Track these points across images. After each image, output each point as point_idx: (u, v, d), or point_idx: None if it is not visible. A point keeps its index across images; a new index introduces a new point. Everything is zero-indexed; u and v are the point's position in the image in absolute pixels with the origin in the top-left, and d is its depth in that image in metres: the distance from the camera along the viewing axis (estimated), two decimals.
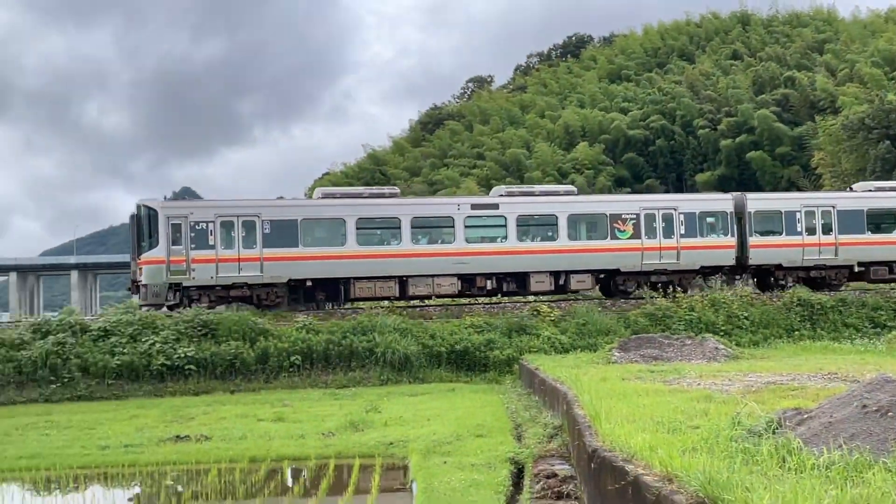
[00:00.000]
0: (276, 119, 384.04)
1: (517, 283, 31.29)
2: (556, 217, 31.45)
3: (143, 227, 29.66)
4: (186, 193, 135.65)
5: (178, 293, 29.13)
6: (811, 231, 32.47)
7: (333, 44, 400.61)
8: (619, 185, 64.75)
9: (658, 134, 71.46)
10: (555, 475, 10.66)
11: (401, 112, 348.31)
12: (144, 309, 28.86)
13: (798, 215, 32.59)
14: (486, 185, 56.80)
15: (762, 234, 32.72)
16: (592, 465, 8.02)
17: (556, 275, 31.33)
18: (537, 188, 34.42)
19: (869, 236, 32.95)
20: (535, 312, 27.58)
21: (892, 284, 33.91)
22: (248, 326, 24.68)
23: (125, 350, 23.83)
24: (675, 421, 8.59)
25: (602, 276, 32.15)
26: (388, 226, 31.43)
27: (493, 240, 31.77)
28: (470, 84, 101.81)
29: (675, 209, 32.05)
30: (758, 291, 32.66)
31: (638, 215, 31.75)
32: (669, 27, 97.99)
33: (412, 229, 30.93)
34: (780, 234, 32.72)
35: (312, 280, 30.69)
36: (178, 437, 15.55)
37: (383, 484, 11.69)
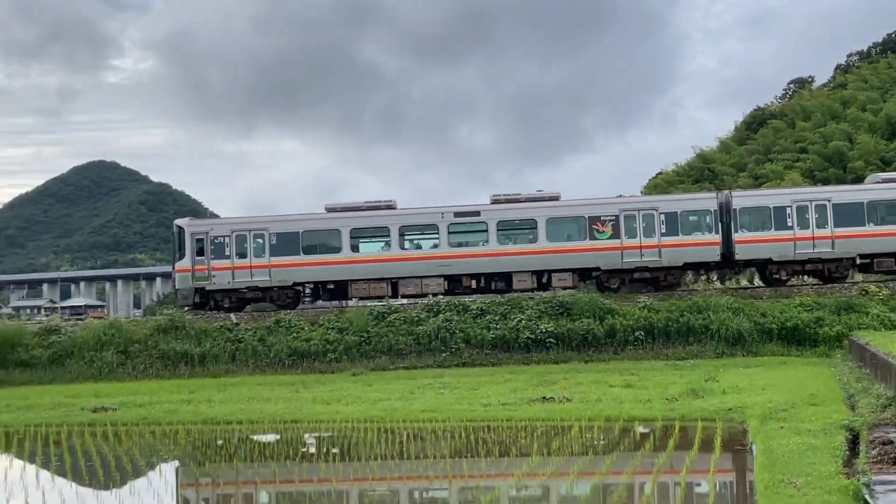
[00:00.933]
0: (614, 128, 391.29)
1: (503, 282, 30.95)
2: (536, 221, 31.06)
3: (176, 241, 32.40)
4: None
5: (203, 296, 31.46)
6: (804, 225, 30.01)
7: (663, 59, 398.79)
8: None
9: None
10: (890, 442, 10.31)
11: (725, 115, 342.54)
12: (186, 309, 31.96)
13: (788, 210, 30.24)
14: (811, 177, 53.56)
15: (750, 229, 30.42)
16: None
17: (538, 274, 30.89)
18: (523, 195, 32.81)
19: (871, 228, 29.70)
20: (863, 292, 26.13)
21: None
22: (597, 306, 26.33)
23: (498, 326, 26.62)
24: None
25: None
26: (379, 234, 32.12)
27: (475, 244, 31.53)
28: (791, 85, 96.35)
29: (655, 209, 30.94)
30: (762, 285, 31.36)
31: (617, 216, 30.71)
32: None
33: (400, 237, 31.50)
34: (770, 229, 30.24)
35: (314, 282, 32.18)
36: (544, 398, 16.85)
37: (725, 444, 11.85)
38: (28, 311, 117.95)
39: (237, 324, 28.80)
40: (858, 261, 30.25)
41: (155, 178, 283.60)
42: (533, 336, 25.96)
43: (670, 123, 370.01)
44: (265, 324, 28.56)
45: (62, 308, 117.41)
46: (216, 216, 43.79)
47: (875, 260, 29.70)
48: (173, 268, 32.57)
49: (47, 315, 74.45)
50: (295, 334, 27.60)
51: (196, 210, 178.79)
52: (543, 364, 24.56)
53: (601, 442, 12.66)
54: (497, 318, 27.03)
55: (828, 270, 30.26)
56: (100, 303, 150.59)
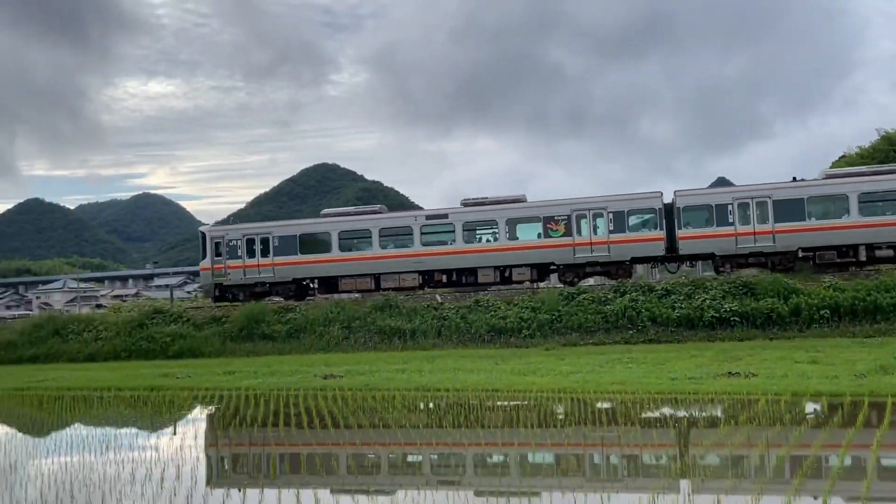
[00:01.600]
0: (794, 114, 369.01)
1: (472, 277, 32.48)
2: (497, 222, 32.22)
3: (200, 245, 35.96)
4: (721, 182, 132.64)
5: (222, 290, 34.77)
6: (745, 221, 29.78)
7: (843, 45, 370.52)
8: None
9: None
10: None
11: None
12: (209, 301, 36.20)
13: (730, 207, 30.12)
14: None
15: (693, 226, 30.39)
16: None
17: (501, 269, 32.12)
18: (490, 198, 33.82)
19: (811, 223, 29.19)
20: None
21: None
22: (781, 286, 24.92)
23: (682, 305, 26.07)
24: None
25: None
26: (362, 236, 33.94)
27: (444, 243, 32.66)
28: None
29: (604, 209, 31.38)
30: (717, 276, 30.41)
31: (569, 216, 31.54)
32: None
33: (380, 238, 33.36)
34: (712, 225, 30.18)
35: (309, 278, 34.88)
36: (729, 373, 16.25)
37: None
38: None
39: (442, 303, 29.55)
40: (800, 254, 29.91)
41: (369, 176, 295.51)
42: (717, 315, 25.19)
43: (852, 108, 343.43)
44: (466, 303, 29.14)
45: None
46: (420, 208, 45.06)
47: (816, 253, 29.39)
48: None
49: None
50: (493, 312, 27.99)
51: (404, 204, 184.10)
52: (728, 341, 23.70)
53: (788, 415, 12.02)
54: (682, 297, 26.37)
55: (771, 263, 29.91)
56: None
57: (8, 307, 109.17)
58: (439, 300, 30.06)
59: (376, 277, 33.61)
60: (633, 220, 31.26)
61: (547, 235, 31.70)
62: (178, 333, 30.74)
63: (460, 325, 27.95)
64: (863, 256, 28.73)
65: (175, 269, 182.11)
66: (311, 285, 35.69)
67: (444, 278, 33.26)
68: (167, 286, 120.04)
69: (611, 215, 31.19)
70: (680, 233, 30.31)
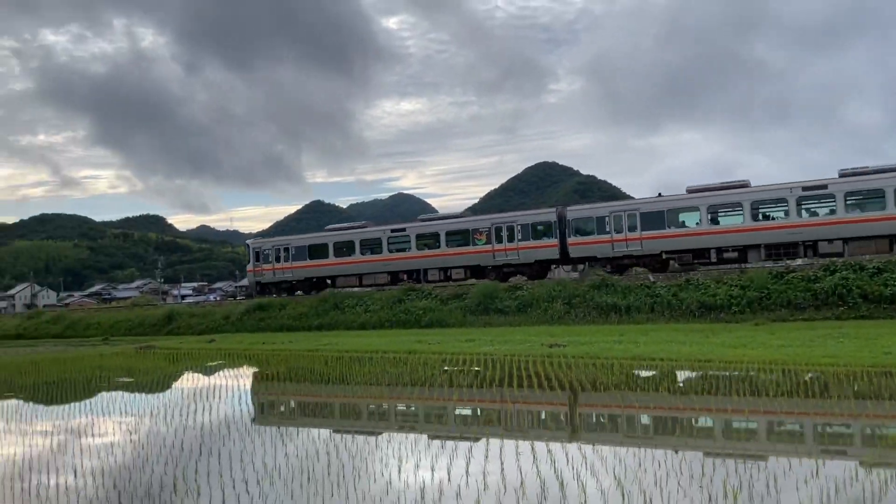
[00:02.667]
0: None
1: (423, 276, 37.25)
2: (439, 234, 36.70)
3: (247, 253, 43.51)
4: None
5: (261, 287, 42.35)
6: (619, 230, 31.94)
7: None
8: None
9: None
10: None
11: None
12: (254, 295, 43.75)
13: (606, 219, 32.50)
14: None
15: (581, 234, 33.17)
16: None
17: (444, 270, 36.58)
18: (440, 215, 39.30)
19: (670, 231, 31.08)
20: None
21: None
22: None
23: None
24: None
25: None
26: (348, 246, 39.33)
27: (404, 250, 37.51)
28: None
29: (516, 221, 34.75)
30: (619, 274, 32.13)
31: (490, 228, 35.28)
32: None
33: (360, 247, 38.83)
34: (593, 234, 32.73)
35: (315, 277, 40.75)
36: None
37: None
38: None
39: (654, 282, 28.47)
40: (664, 256, 31.67)
41: (584, 171, 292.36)
42: None
43: None
44: (677, 282, 27.85)
45: None
46: (631, 198, 44.23)
47: (676, 255, 31.29)
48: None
49: None
50: (703, 290, 26.53)
51: (616, 195, 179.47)
52: None
53: None
54: (895, 276, 23.38)
55: (643, 264, 32.07)
56: None
57: None
58: (651, 279, 29.01)
59: (359, 277, 39.36)
60: (536, 231, 34.57)
61: (471, 244, 35.97)
62: (428, 307, 32.16)
63: (672, 301, 26.76)
64: (713, 258, 30.60)
65: None
66: (328, 281, 40.65)
67: (405, 277, 38.17)
68: None
69: (520, 227, 34.82)
70: (570, 240, 33.62)
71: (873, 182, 27.87)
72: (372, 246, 39.15)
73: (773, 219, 29.72)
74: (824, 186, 28.76)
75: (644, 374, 14.44)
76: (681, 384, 12.83)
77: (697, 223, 30.87)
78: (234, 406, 13.03)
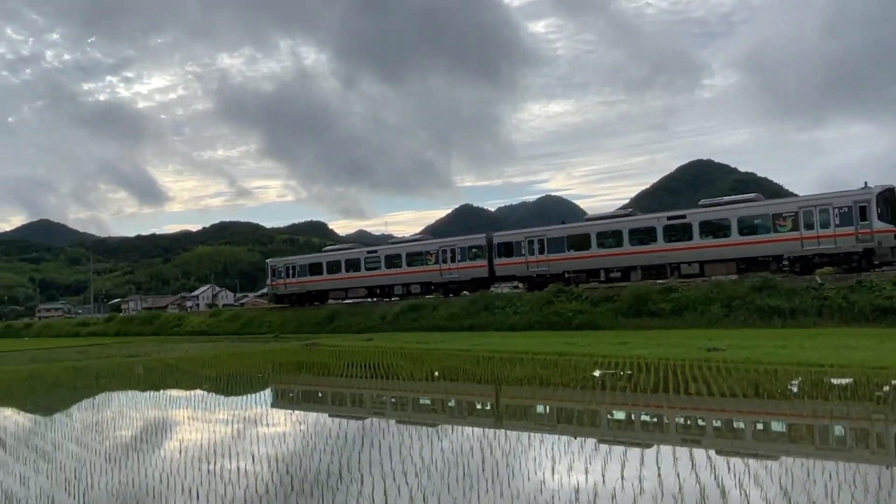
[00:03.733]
0: None
1: (388, 290, 44.84)
2: (401, 256, 43.81)
3: (267, 271, 52.91)
4: None
5: (279, 298, 51.34)
6: (532, 252, 37.82)
7: None
8: None
9: None
10: None
11: None
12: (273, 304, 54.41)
13: (522, 243, 38.42)
14: None
15: (504, 256, 39.02)
16: None
17: (405, 286, 43.74)
18: (403, 239, 51.44)
19: (569, 254, 36.45)
20: None
21: None
22: None
23: None
24: None
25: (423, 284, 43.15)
26: (337, 265, 46.95)
27: (375, 269, 44.92)
28: None
29: (456, 245, 41.62)
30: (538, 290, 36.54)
31: (437, 251, 42.20)
32: None
33: (346, 266, 46.41)
34: (513, 256, 38.64)
35: (314, 291, 48.66)
36: None
37: None
38: None
39: (822, 283, 26.39)
40: (566, 275, 36.53)
41: (742, 168, 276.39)
42: None
43: None
44: (848, 284, 25.64)
45: None
46: (795, 195, 41.52)
47: (575, 274, 36.28)
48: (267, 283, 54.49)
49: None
50: (877, 293, 24.26)
51: (778, 192, 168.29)
52: None
53: None
54: None
55: (553, 279, 36.82)
56: None
57: None
58: (819, 281, 26.87)
59: (346, 291, 47.37)
60: (471, 253, 40.87)
61: (424, 264, 42.75)
62: (578, 309, 31.69)
63: (842, 304, 24.68)
64: (602, 277, 35.74)
65: None
66: (332, 292, 48.39)
67: (378, 291, 45.68)
68: None
69: (459, 250, 41.35)
70: (496, 261, 39.58)
71: (721, 213, 32.35)
72: (354, 265, 47.02)
73: (647, 244, 34.20)
74: (683, 217, 33.62)
75: (813, 380, 13.41)
76: (850, 391, 11.79)
77: (590, 248, 36.25)
78: (391, 401, 13.51)
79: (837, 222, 28.88)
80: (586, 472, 7.45)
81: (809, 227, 29.55)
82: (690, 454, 8.03)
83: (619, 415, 11.33)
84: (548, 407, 12.43)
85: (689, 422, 10.57)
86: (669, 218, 33.99)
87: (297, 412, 12.71)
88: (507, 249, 39.10)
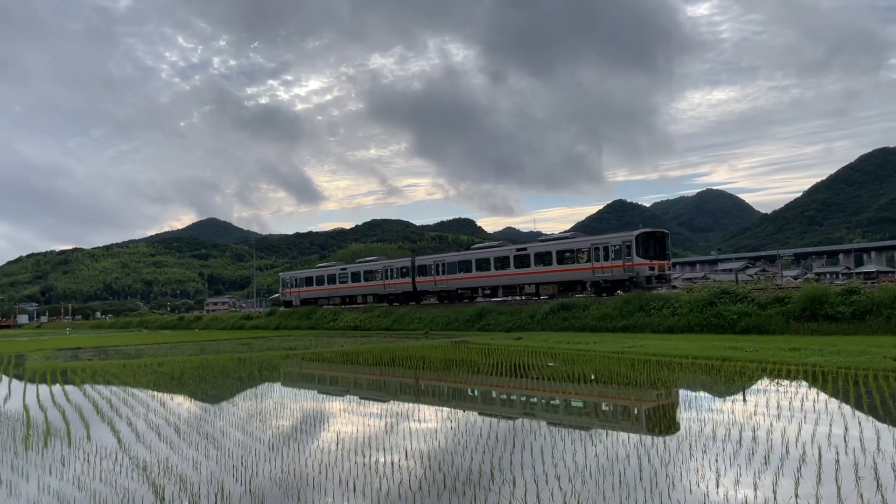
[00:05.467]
0: None
1: (352, 300, 64.19)
2: (360, 272, 62.82)
3: (279, 282, 75.59)
4: None
5: (287, 303, 71.51)
6: (439, 273, 53.91)
7: None
8: None
9: None
10: None
11: None
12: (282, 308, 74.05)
13: (431, 266, 54.88)
14: None
15: (422, 275, 55.78)
16: None
17: (364, 297, 62.95)
18: (363, 260, 66.34)
19: (458, 275, 52.07)
20: None
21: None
22: None
23: None
24: None
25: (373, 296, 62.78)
26: (321, 279, 67.71)
27: (345, 282, 64.57)
28: None
29: (392, 266, 59.32)
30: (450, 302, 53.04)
31: (383, 269, 59.86)
32: None
33: (327, 280, 66.84)
34: (427, 275, 55.08)
35: (310, 299, 68.34)
36: None
37: None
38: (827, 276, 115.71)
39: None
40: (459, 291, 52.74)
41: None
42: None
43: None
44: None
45: (856, 273, 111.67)
46: None
47: (465, 290, 52.29)
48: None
49: (844, 280, 72.12)
50: None
51: None
52: None
53: None
54: None
55: (450, 294, 53.61)
56: (889, 269, 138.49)
57: None
58: None
59: (328, 299, 66.02)
60: (402, 272, 57.59)
61: (368, 280, 61.26)
62: (743, 311, 30.01)
63: None
64: (479, 294, 50.66)
65: (737, 255, 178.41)
66: (316, 301, 68.01)
67: (347, 300, 64.26)
68: (731, 270, 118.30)
69: (394, 269, 58.54)
70: (417, 279, 55.80)
71: (547, 247, 45.48)
72: (333, 279, 65.81)
73: (504, 270, 48.12)
74: (525, 249, 47.09)
75: None
76: None
77: (471, 272, 50.83)
78: (542, 403, 13.45)
79: (612, 257, 40.89)
80: (755, 488, 7.04)
81: (597, 259, 41.86)
82: (875, 472, 7.35)
83: (792, 427, 10.59)
84: (710, 413, 11.86)
85: (874, 438, 9.68)
86: (517, 250, 47.82)
87: (445, 409, 12.97)
88: (424, 270, 55.79)
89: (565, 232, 55.41)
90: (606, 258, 41.04)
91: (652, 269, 40.07)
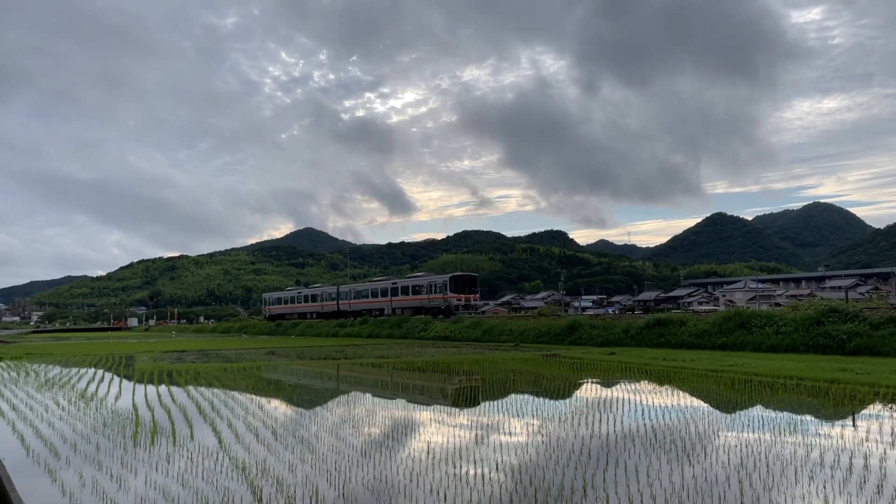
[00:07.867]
0: None
1: (342, 315, 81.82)
2: (313, 295, 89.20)
3: (262, 301, 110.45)
4: None
5: (272, 317, 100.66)
6: (345, 298, 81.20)
7: None
8: None
9: None
10: None
11: None
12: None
13: (348, 292, 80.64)
14: None
15: (343, 300, 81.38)
16: None
17: (312, 314, 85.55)
18: (316, 285, 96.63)
19: (361, 300, 77.97)
20: None
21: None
22: None
23: None
24: None
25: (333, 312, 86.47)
26: (290, 299, 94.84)
27: (305, 302, 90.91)
28: None
29: (325, 292, 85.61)
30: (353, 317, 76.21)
31: (322, 293, 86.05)
32: None
33: (293, 300, 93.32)
34: (345, 300, 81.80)
35: (298, 313, 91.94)
36: None
37: None
38: None
39: None
40: (363, 312, 75.76)
41: None
42: None
43: None
44: None
45: None
46: None
47: (368, 312, 75.33)
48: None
49: None
50: None
51: None
52: None
53: None
54: None
55: (359, 314, 76.95)
56: None
57: (700, 303, 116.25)
58: None
59: (300, 315, 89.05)
60: (330, 297, 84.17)
61: (313, 302, 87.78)
62: (854, 331, 28.34)
63: None
64: (374, 314, 73.08)
65: (847, 272, 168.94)
66: (306, 316, 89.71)
67: (307, 315, 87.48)
68: (840, 287, 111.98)
69: (328, 293, 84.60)
70: (340, 302, 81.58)
71: (407, 282, 70.43)
72: (291, 300, 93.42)
73: (386, 297, 72.09)
74: (396, 283, 71.93)
75: None
76: None
77: (369, 297, 75.68)
78: (637, 420, 13.11)
79: (436, 291, 64.34)
80: None
81: (430, 292, 65.17)
82: None
83: None
84: (815, 439, 11.25)
85: None
86: (392, 284, 72.02)
87: (535, 422, 12.85)
88: (342, 295, 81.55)
89: (418, 272, 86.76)
90: (434, 292, 64.65)
91: (459, 300, 63.17)
